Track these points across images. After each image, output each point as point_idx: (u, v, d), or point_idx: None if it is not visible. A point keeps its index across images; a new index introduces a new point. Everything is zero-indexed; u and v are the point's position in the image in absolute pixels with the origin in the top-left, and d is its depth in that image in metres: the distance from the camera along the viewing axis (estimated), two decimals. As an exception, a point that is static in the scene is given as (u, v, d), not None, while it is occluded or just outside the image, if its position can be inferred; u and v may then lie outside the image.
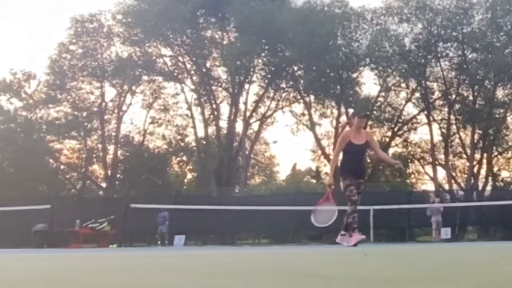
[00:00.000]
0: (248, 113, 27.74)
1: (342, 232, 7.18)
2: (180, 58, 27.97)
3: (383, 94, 28.61)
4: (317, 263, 2.72)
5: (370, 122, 28.54)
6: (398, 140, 30.45)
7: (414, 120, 29.39)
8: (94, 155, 28.75)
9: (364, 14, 27.20)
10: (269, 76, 27.02)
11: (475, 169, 28.09)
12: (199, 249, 11.47)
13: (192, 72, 27.97)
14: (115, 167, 28.13)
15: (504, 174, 30.66)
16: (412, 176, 33.03)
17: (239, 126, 28.17)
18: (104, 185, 28.75)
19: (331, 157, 28.87)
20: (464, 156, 29.03)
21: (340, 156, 7.48)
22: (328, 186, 7.73)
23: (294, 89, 28.01)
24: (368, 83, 55.16)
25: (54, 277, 1.86)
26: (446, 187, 27.98)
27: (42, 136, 27.00)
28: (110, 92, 28.54)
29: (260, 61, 27.05)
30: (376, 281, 1.45)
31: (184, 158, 31.17)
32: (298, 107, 29.30)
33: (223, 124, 28.07)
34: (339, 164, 7.57)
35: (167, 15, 24.42)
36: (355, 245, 6.92)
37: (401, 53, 25.89)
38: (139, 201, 19.32)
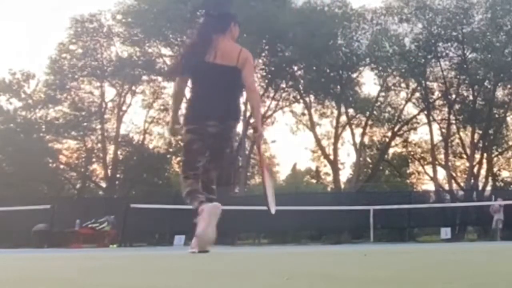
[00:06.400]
0: (248, 113, 27.73)
1: None
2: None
3: (383, 94, 28.62)
4: (317, 263, 2.72)
5: (370, 122, 28.57)
6: (398, 140, 30.48)
7: (414, 120, 29.40)
8: (93, 155, 28.75)
9: (364, 14, 27.22)
10: (269, 76, 27.02)
11: (475, 169, 28.10)
12: (199, 249, 11.43)
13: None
14: (115, 167, 28.13)
15: (504, 174, 30.72)
16: (412, 176, 33.08)
17: (239, 126, 28.17)
18: (104, 185, 28.75)
19: (331, 157, 29.08)
20: (464, 156, 29.05)
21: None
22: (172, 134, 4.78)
23: (294, 89, 28.01)
24: (368, 83, 55.26)
25: (54, 277, 1.86)
26: (446, 187, 28.00)
27: (42, 136, 26.99)
28: (110, 92, 28.55)
29: (260, 61, 27.03)
30: (376, 281, 1.45)
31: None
32: (298, 107, 29.32)
33: (223, 124, 28.08)
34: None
35: (167, 15, 24.41)
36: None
37: (401, 53, 25.90)
38: (139, 201, 19.34)
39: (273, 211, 4.43)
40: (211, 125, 4.22)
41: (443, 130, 28.00)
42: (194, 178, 4.29)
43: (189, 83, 4.40)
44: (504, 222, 17.01)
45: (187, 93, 4.58)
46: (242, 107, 27.84)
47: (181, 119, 4.46)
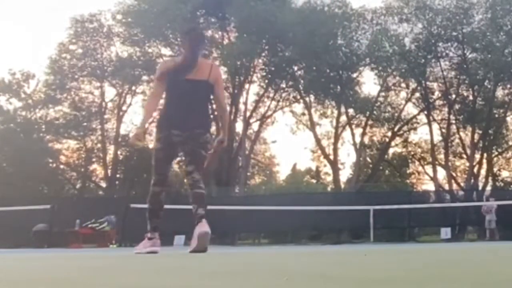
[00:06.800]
0: (248, 113, 27.74)
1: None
2: (180, 58, 27.97)
3: (383, 94, 28.62)
4: (317, 263, 2.72)
5: (370, 122, 28.56)
6: (398, 140, 30.47)
7: (414, 120, 29.41)
8: (93, 155, 28.75)
9: (364, 14, 27.21)
10: (269, 76, 27.01)
11: (475, 169, 28.10)
12: (199, 249, 11.43)
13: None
14: (115, 167, 28.13)
15: (504, 174, 30.72)
16: (412, 176, 33.07)
17: (239, 126, 28.15)
18: (104, 185, 28.74)
19: (331, 157, 29.08)
20: (464, 156, 29.05)
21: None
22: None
23: (294, 89, 28.01)
24: (368, 83, 55.31)
25: (54, 277, 1.86)
26: (446, 187, 28.00)
27: (42, 136, 27.00)
28: (110, 92, 28.55)
29: (260, 61, 27.04)
30: (376, 281, 1.45)
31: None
32: (298, 107, 29.32)
33: (223, 124, 28.08)
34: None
35: (167, 15, 24.41)
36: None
37: (401, 53, 25.89)
38: (139, 201, 19.31)
39: None
40: (175, 135, 4.56)
41: (443, 130, 28.00)
42: (160, 185, 4.75)
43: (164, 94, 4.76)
44: (496, 222, 17.07)
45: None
46: (242, 107, 27.81)
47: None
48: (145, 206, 5.19)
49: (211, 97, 4.82)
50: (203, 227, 4.44)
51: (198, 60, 4.65)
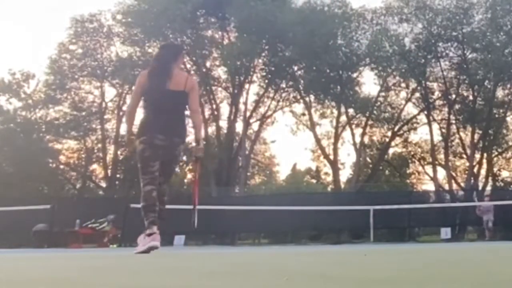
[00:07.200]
0: (248, 113, 27.74)
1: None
2: (180, 58, 27.96)
3: (383, 94, 28.60)
4: (317, 263, 2.73)
5: (370, 122, 28.56)
6: (398, 140, 30.45)
7: (414, 120, 29.39)
8: (93, 155, 28.75)
9: (364, 14, 27.20)
10: (269, 76, 27.01)
11: (475, 169, 28.09)
12: (199, 249, 11.48)
13: (192, 72, 27.96)
14: (115, 167, 28.12)
15: (504, 174, 30.71)
16: (412, 176, 33.06)
17: (239, 126, 28.15)
18: (104, 185, 28.74)
19: (331, 157, 29.07)
20: (464, 156, 29.04)
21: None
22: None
23: (294, 89, 28.00)
24: (368, 83, 55.31)
25: (54, 277, 1.86)
26: (446, 187, 27.99)
27: (42, 136, 27.00)
28: (110, 92, 28.54)
29: (260, 61, 27.03)
30: (376, 281, 1.46)
31: (184, 158, 31.18)
32: (298, 107, 29.31)
33: (223, 124, 28.06)
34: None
35: (167, 15, 24.40)
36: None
37: (401, 53, 25.87)
38: (139, 201, 19.30)
39: (195, 225, 5.32)
40: (159, 139, 4.87)
41: (443, 130, 27.99)
42: (151, 184, 4.97)
43: (142, 103, 5.13)
44: (494, 221, 17.09)
45: (140, 113, 5.30)
46: (242, 107, 27.81)
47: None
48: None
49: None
50: (155, 239, 4.86)
51: (174, 72, 4.96)
